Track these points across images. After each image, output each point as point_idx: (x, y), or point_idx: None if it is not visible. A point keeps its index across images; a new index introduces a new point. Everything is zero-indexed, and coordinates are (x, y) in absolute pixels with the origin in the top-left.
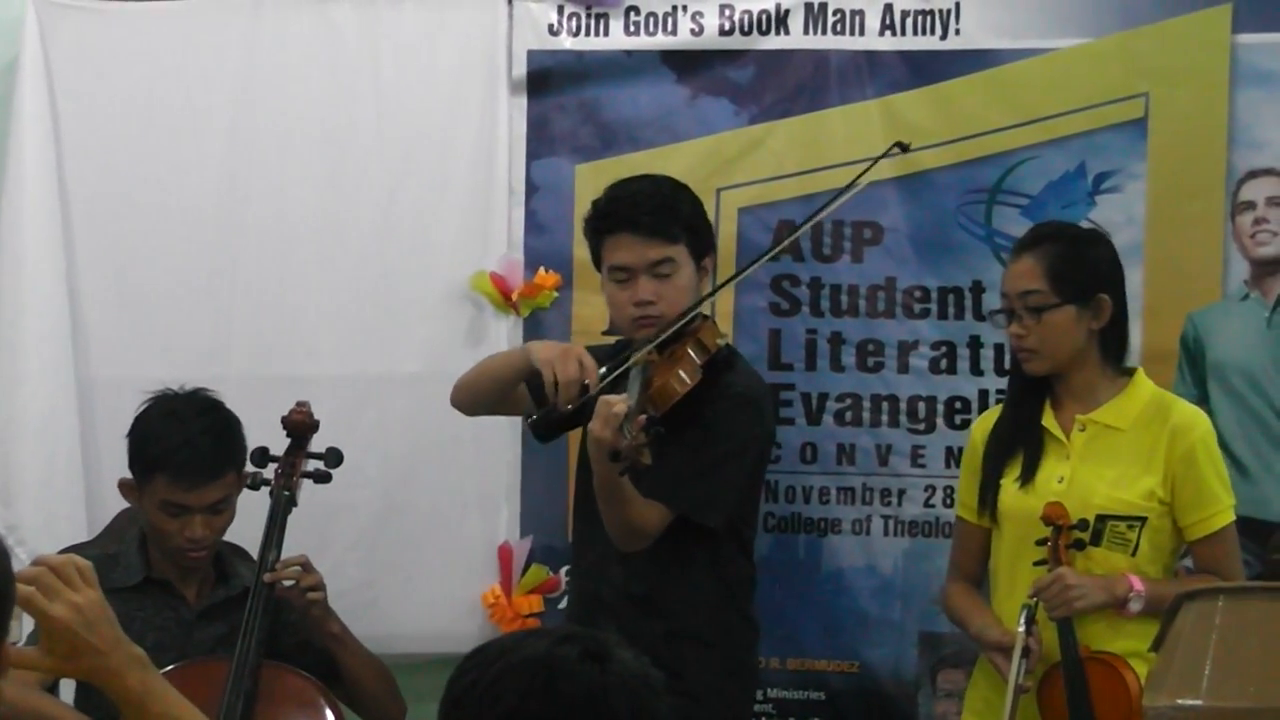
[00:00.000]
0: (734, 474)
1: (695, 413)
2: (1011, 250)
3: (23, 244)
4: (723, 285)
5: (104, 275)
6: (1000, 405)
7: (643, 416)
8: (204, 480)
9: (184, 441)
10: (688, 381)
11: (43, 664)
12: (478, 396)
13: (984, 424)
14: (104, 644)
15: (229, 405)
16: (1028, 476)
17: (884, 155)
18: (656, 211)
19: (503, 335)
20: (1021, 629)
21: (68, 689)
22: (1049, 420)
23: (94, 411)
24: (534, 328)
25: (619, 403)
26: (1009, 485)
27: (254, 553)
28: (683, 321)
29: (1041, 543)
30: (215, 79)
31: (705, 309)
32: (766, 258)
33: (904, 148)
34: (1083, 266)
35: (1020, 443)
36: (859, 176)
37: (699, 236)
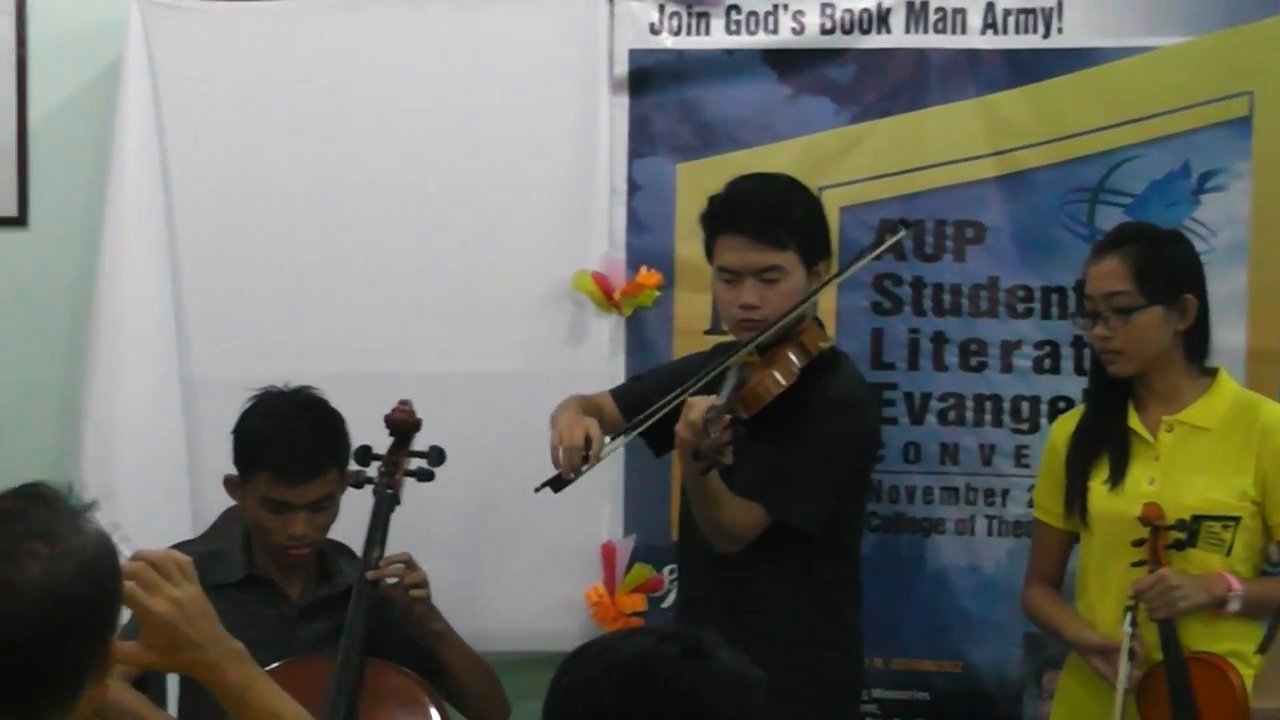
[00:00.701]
0: (831, 478)
1: (794, 415)
2: (1092, 251)
3: (127, 244)
4: (800, 304)
5: (206, 275)
6: (1079, 407)
7: (728, 416)
8: (305, 477)
9: (286, 438)
10: (781, 384)
11: (143, 658)
12: None
13: (1064, 426)
14: (203, 638)
15: (324, 395)
16: (1117, 478)
17: (892, 240)
18: (766, 217)
19: (604, 334)
20: (1128, 630)
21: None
22: (1134, 421)
23: (198, 410)
24: (636, 326)
25: (703, 402)
26: (1097, 487)
27: (358, 551)
28: (782, 325)
29: (1138, 544)
30: (314, 78)
31: (816, 312)
32: (814, 292)
33: (906, 225)
34: (1168, 267)
35: (1105, 445)
36: (865, 257)
37: (810, 242)
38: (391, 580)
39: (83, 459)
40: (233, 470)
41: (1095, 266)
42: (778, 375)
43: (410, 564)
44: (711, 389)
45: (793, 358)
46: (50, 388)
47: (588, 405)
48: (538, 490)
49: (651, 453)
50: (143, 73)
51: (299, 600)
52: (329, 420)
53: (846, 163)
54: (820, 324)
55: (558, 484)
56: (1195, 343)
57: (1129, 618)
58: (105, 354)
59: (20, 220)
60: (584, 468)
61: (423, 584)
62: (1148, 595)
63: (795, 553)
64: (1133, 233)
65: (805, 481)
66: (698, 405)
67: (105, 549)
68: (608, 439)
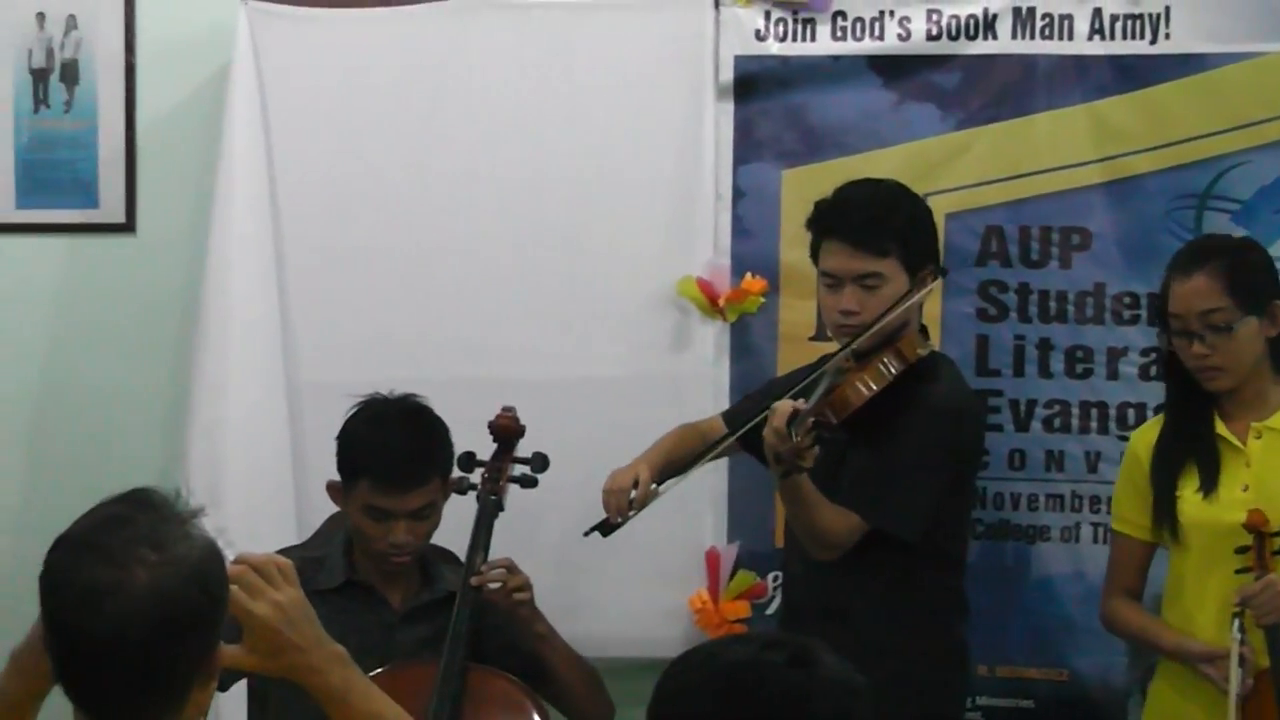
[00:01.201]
0: (928, 486)
1: (893, 423)
2: (1174, 270)
3: (233, 249)
4: (881, 319)
5: (312, 279)
6: (1156, 418)
7: (811, 420)
8: (408, 486)
9: (388, 446)
10: (870, 390)
11: (246, 662)
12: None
13: (1145, 436)
14: (305, 641)
15: (428, 402)
16: (1209, 486)
17: (929, 288)
18: (868, 224)
19: (709, 340)
20: (1236, 637)
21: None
22: (1222, 429)
23: (303, 415)
24: (740, 333)
25: (787, 407)
26: (1190, 497)
27: (461, 556)
28: (879, 332)
29: (1241, 551)
30: (419, 83)
31: (921, 318)
32: (889, 315)
33: (943, 272)
34: (1256, 276)
35: (1193, 453)
36: (902, 304)
37: (914, 249)
38: (494, 585)
39: (190, 464)
40: (337, 476)
41: (1182, 285)
42: (869, 381)
43: (512, 568)
44: (807, 396)
45: (887, 365)
46: (158, 393)
47: (687, 433)
48: (586, 534)
49: (756, 459)
50: (250, 78)
51: (400, 606)
52: (432, 428)
53: (952, 169)
54: (925, 331)
55: (605, 528)
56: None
57: (1236, 624)
58: (212, 359)
59: (128, 226)
60: (630, 512)
61: (525, 588)
62: (1256, 601)
63: (895, 561)
64: (1215, 247)
65: (902, 489)
66: (781, 410)
67: (212, 555)
68: (664, 483)
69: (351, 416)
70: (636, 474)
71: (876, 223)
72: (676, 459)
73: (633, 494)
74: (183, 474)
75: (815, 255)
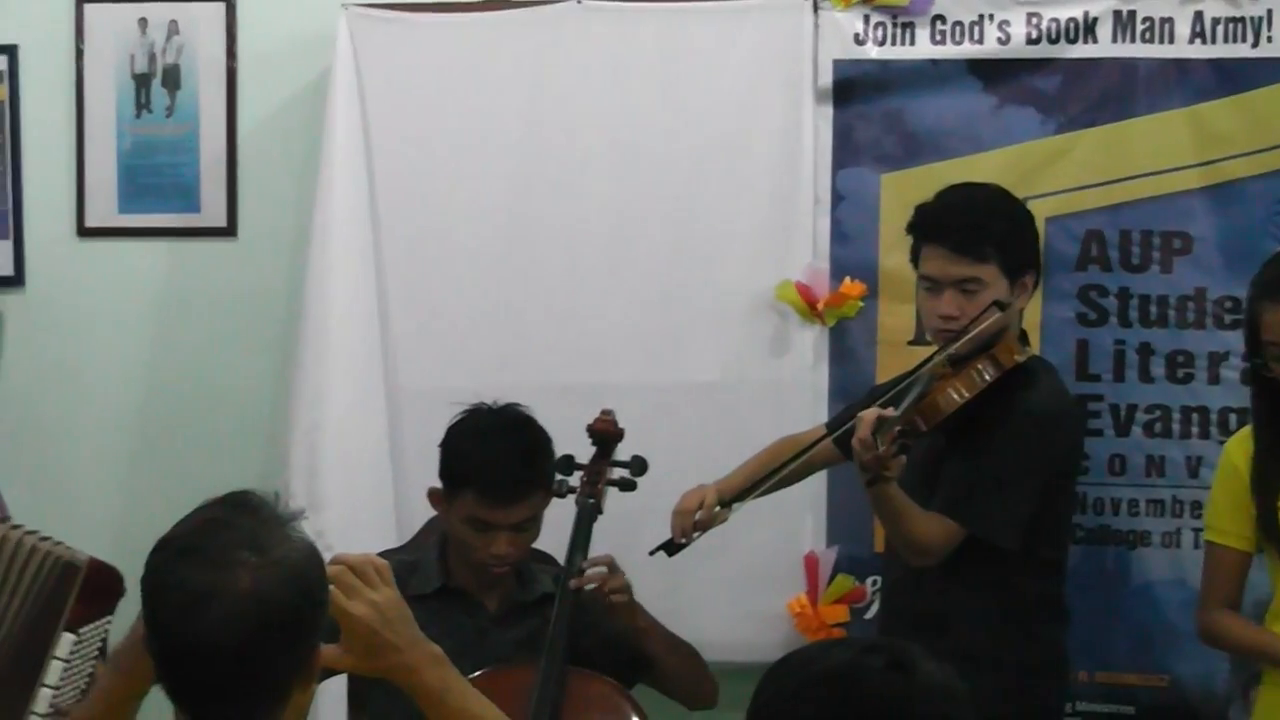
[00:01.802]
0: (1025, 493)
1: (990, 430)
2: (1263, 296)
3: (334, 254)
4: (969, 332)
5: (411, 284)
6: (1249, 426)
7: (896, 429)
8: (511, 499)
9: (494, 460)
10: (962, 397)
11: (343, 662)
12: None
13: (1243, 445)
14: (402, 641)
15: (532, 414)
16: None
17: (991, 319)
18: (968, 229)
19: (808, 345)
20: None
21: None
22: None
23: (401, 420)
24: (839, 337)
25: (874, 414)
26: None
27: (559, 559)
28: (975, 338)
29: None
30: (518, 89)
31: (1021, 324)
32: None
33: (1001, 307)
34: None
35: None
36: (968, 334)
37: (1014, 254)
38: (591, 585)
39: (290, 467)
40: (436, 481)
41: (1274, 314)
42: (961, 388)
43: (612, 566)
44: (898, 403)
45: (982, 371)
46: (259, 397)
47: (785, 445)
48: (652, 554)
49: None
50: (349, 82)
51: (495, 609)
52: (537, 441)
53: (1052, 173)
54: (1025, 337)
55: (670, 548)
56: None
57: None
58: (311, 364)
59: (229, 230)
60: (695, 534)
61: (624, 589)
62: None
63: (993, 567)
64: None
65: (998, 496)
66: (867, 418)
67: (312, 558)
68: (737, 504)
69: (456, 426)
70: (703, 496)
71: (977, 228)
72: (759, 474)
73: (698, 515)
74: (283, 477)
75: (915, 259)
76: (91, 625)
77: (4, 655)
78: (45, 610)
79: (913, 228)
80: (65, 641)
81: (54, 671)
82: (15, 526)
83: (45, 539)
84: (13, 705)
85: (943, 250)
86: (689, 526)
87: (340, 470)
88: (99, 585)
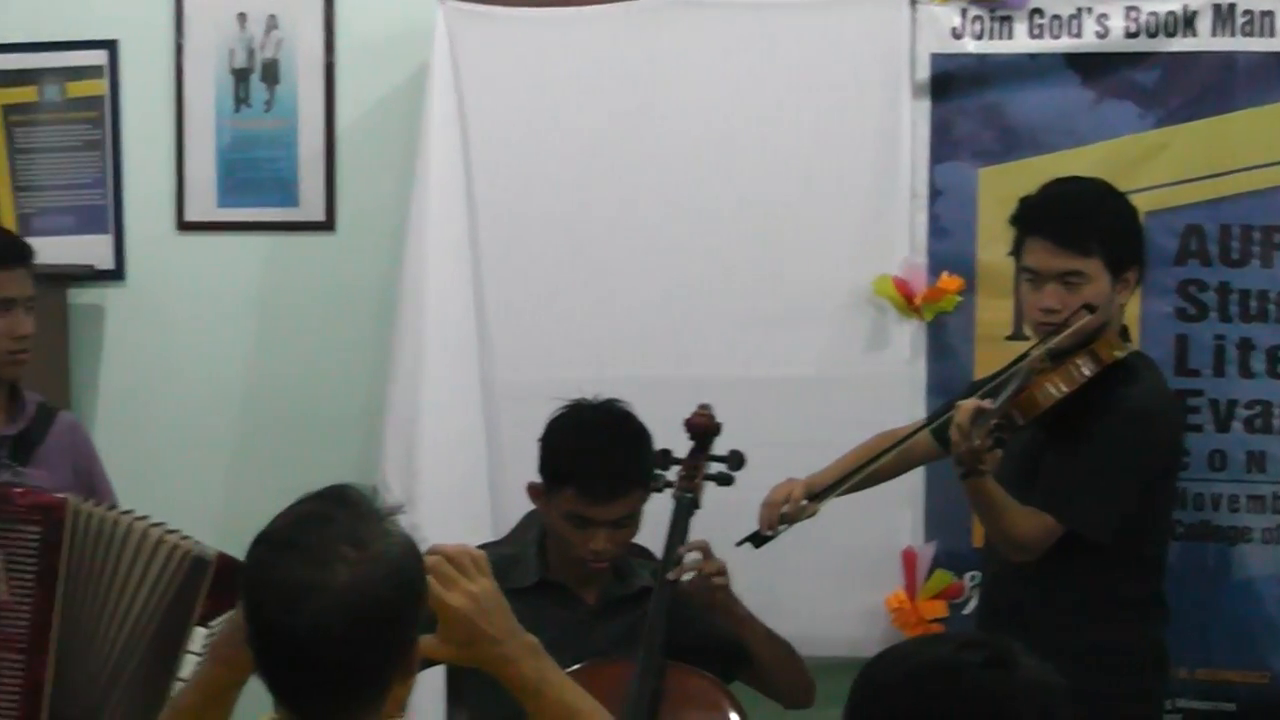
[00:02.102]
0: (1123, 488)
1: (1089, 425)
2: None
3: (430, 247)
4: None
5: (506, 278)
6: None
7: (992, 422)
8: (611, 496)
9: (594, 456)
10: (1060, 391)
11: (441, 652)
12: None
13: None
14: (499, 632)
15: (631, 409)
16: None
17: (1083, 320)
18: (1072, 222)
19: (905, 339)
20: None
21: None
22: None
23: (498, 414)
24: (937, 332)
25: (972, 406)
26: None
27: (656, 554)
28: (1076, 332)
29: None
30: (616, 82)
31: (1122, 319)
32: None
33: (1090, 309)
34: None
35: None
36: (1052, 340)
37: (1118, 249)
38: (689, 574)
39: (385, 461)
40: (534, 475)
41: None
42: (1059, 383)
43: (707, 552)
44: (996, 396)
45: (1080, 366)
46: (357, 391)
47: (882, 440)
48: (739, 545)
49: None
50: (447, 78)
51: (594, 603)
52: (637, 438)
53: (1151, 167)
54: (1125, 333)
55: (756, 540)
56: None
57: None
58: (407, 357)
59: (328, 224)
60: (781, 527)
61: (722, 572)
62: None
63: (1092, 563)
64: None
65: (1095, 491)
66: (965, 409)
67: (410, 552)
68: (825, 499)
69: (556, 421)
70: (791, 490)
71: (1081, 221)
72: (849, 469)
73: (785, 508)
74: (379, 472)
75: (1018, 252)
76: (220, 619)
77: (147, 651)
78: (178, 604)
79: (1016, 219)
80: (198, 636)
81: (187, 666)
82: (141, 518)
83: (171, 531)
84: (154, 700)
85: (1046, 243)
86: (775, 519)
87: (436, 464)
88: (226, 579)
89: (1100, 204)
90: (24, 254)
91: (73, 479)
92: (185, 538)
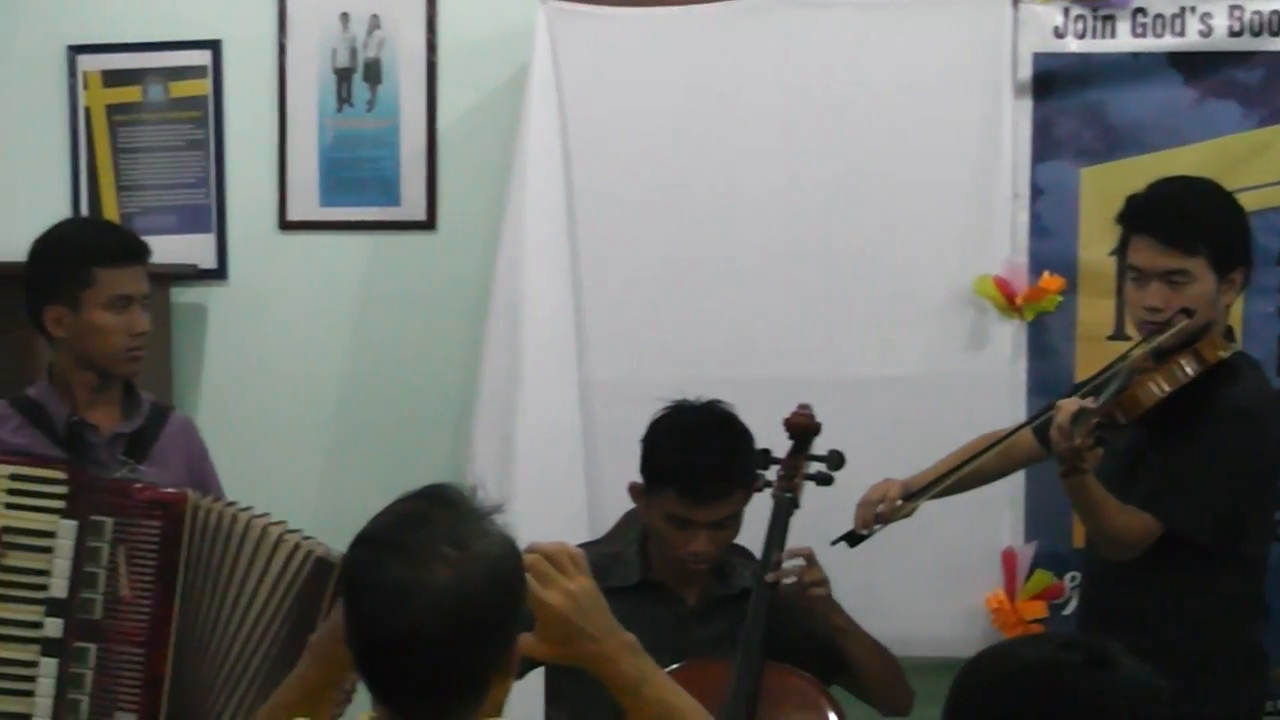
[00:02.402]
0: (1225, 488)
1: (1191, 425)
2: None
3: (525, 247)
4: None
5: (605, 278)
6: None
7: (1094, 420)
8: (712, 498)
9: (696, 459)
10: (1162, 391)
11: (539, 650)
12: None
13: None
14: (597, 630)
15: (734, 411)
16: None
17: (1181, 324)
18: (1178, 220)
19: (1006, 339)
20: None
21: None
22: None
23: (595, 413)
24: (1038, 332)
25: (1074, 405)
26: None
27: (756, 553)
28: (1179, 331)
29: None
30: (715, 82)
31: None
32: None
33: (1189, 314)
34: None
35: None
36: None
37: (1224, 250)
38: (790, 580)
39: (476, 460)
40: (632, 473)
41: None
42: (1161, 382)
43: (810, 560)
44: (1098, 394)
45: (1184, 366)
46: (457, 390)
47: (981, 440)
48: (834, 544)
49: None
50: (547, 76)
51: (695, 603)
52: (739, 440)
53: (1254, 167)
54: (1230, 333)
55: (851, 539)
56: None
57: None
58: (500, 356)
59: (429, 224)
60: (876, 526)
61: (822, 583)
62: None
63: (1192, 563)
64: None
65: (1197, 491)
66: (1066, 408)
67: (510, 552)
68: (920, 499)
69: (658, 422)
70: (888, 489)
71: (1187, 220)
72: (946, 469)
73: (880, 508)
74: (471, 470)
75: (1123, 250)
76: None
77: (271, 650)
78: (304, 606)
79: (1123, 217)
80: None
81: None
82: (260, 515)
83: (292, 531)
84: None
85: (1152, 241)
86: (870, 518)
87: (533, 464)
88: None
89: (1208, 203)
90: (142, 252)
91: (186, 477)
92: (307, 537)
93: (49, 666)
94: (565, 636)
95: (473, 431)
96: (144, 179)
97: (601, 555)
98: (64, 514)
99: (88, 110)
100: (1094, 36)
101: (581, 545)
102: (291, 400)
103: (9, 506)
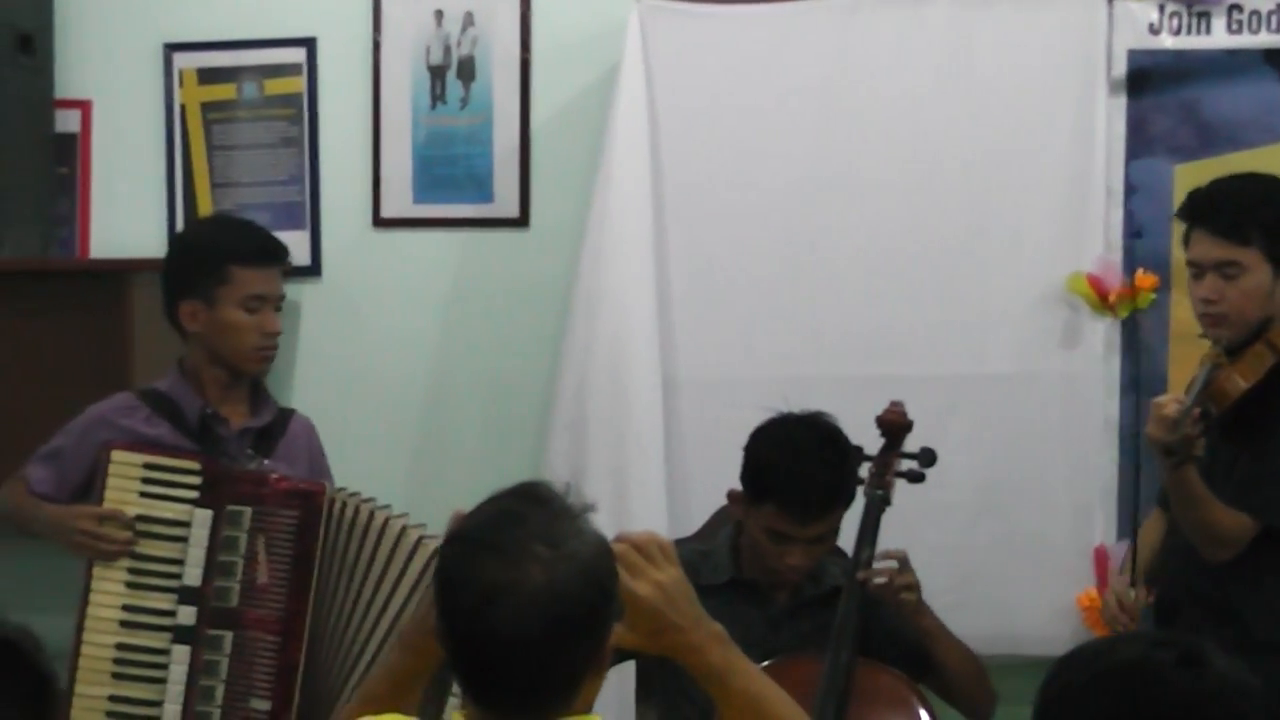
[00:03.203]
0: None
1: (1265, 422)
2: None
3: (612, 243)
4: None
5: (692, 275)
6: None
7: (1197, 410)
8: (814, 516)
9: (801, 477)
10: (1247, 381)
11: (628, 641)
12: None
13: None
14: (686, 621)
15: (818, 405)
16: None
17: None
18: (1231, 212)
19: (1099, 337)
20: None
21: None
22: None
23: (678, 411)
24: (1131, 330)
25: (1170, 402)
26: None
27: (848, 551)
28: (1248, 324)
29: None
30: (809, 80)
31: None
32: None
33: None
34: None
35: None
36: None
37: (1278, 241)
38: (880, 580)
39: (550, 458)
40: (717, 472)
41: None
42: (1244, 373)
43: (904, 563)
44: (1185, 392)
45: (1261, 356)
46: (550, 388)
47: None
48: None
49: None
50: (639, 75)
51: (785, 602)
52: (843, 457)
53: None
54: None
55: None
56: None
57: None
58: (578, 354)
59: (522, 221)
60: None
61: (912, 587)
62: None
63: (1275, 554)
64: None
65: None
66: (1168, 402)
67: (603, 551)
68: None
69: (763, 434)
70: (1123, 597)
71: (1241, 211)
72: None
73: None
74: (546, 468)
75: (1186, 246)
76: None
77: None
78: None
79: (1183, 212)
80: None
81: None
82: (395, 515)
83: (415, 525)
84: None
85: (1206, 233)
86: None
87: (613, 462)
88: None
89: (1263, 195)
90: (279, 254)
91: (308, 476)
92: (434, 535)
93: (180, 654)
94: (654, 627)
95: (549, 430)
96: (239, 176)
97: (693, 552)
98: (197, 504)
99: (183, 108)
100: (1189, 33)
101: (675, 542)
102: (382, 397)
103: (144, 495)
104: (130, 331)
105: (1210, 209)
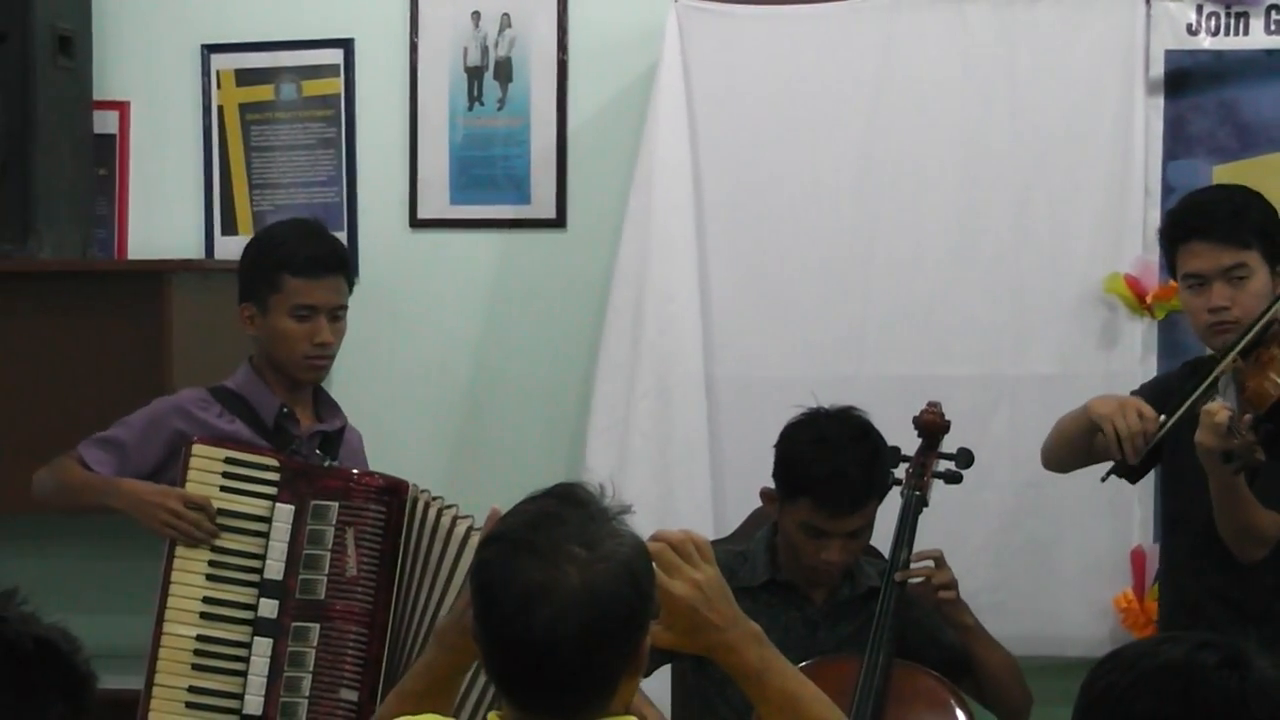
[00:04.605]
0: None
1: None
2: None
3: (654, 242)
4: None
5: (733, 274)
6: None
7: (1248, 416)
8: (848, 510)
9: (834, 471)
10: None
11: (664, 640)
12: (1061, 459)
13: None
14: (723, 620)
15: (869, 419)
16: None
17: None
18: (1227, 218)
19: (1137, 338)
20: None
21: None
22: None
23: (720, 409)
24: (1169, 330)
25: (1221, 409)
26: None
27: (884, 552)
28: (1257, 328)
29: None
30: (849, 80)
31: None
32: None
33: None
34: None
35: None
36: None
37: (1272, 242)
38: (917, 579)
39: (587, 458)
40: (759, 471)
41: None
42: (1277, 375)
43: (940, 562)
44: (1206, 399)
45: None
46: (587, 389)
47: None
48: (1104, 479)
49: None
50: (677, 76)
51: (823, 604)
52: (876, 451)
53: None
54: None
55: (1132, 474)
56: None
57: None
58: (628, 351)
59: (559, 222)
60: (1143, 449)
61: (950, 585)
62: None
63: None
64: None
65: None
66: (1218, 409)
67: (640, 553)
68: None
69: (794, 429)
70: (1140, 410)
71: (1236, 216)
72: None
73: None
74: (585, 469)
75: (1172, 264)
76: None
77: None
78: None
79: (1167, 230)
80: None
81: None
82: (435, 498)
83: (463, 516)
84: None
85: (1207, 243)
86: (1141, 446)
87: (656, 460)
88: None
89: (1250, 202)
90: (336, 266)
91: None
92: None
93: (262, 646)
94: (691, 626)
95: (588, 431)
96: (276, 177)
97: (729, 554)
98: (276, 499)
99: (221, 109)
100: (1227, 34)
101: (711, 543)
102: (420, 398)
103: (224, 490)
104: (168, 332)
105: (1205, 219)
